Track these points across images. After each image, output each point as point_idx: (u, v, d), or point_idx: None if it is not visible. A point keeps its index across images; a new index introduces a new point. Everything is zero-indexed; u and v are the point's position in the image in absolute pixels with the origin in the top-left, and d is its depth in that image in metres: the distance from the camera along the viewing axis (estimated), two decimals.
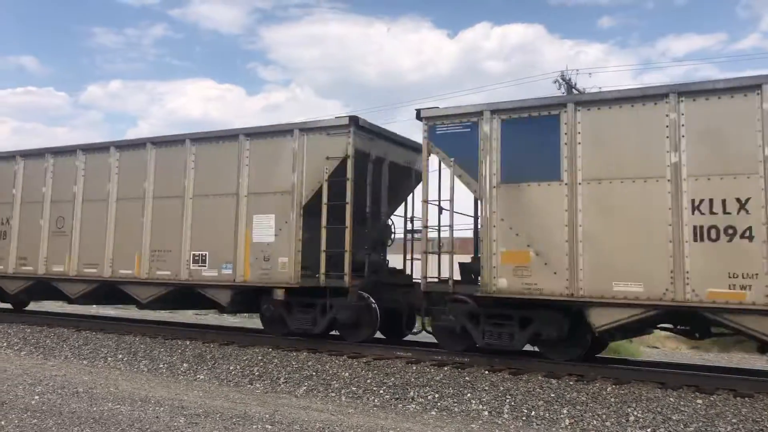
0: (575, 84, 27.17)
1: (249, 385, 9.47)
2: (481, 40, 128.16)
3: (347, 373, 9.50)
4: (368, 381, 9.16)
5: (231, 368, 10.16)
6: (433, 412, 8.08)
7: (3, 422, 6.40)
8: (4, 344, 12.48)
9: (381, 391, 8.79)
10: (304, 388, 9.19)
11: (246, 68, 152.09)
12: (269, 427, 6.79)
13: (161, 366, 10.60)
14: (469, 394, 8.43)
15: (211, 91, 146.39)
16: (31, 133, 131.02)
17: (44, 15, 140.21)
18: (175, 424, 6.70)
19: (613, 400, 7.92)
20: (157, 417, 6.99)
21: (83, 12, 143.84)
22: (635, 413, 7.52)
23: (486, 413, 7.92)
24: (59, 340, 12.51)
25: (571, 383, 8.57)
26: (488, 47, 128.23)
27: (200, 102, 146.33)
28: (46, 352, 11.88)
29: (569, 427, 7.42)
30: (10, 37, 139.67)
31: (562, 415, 7.67)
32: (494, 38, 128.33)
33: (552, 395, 8.19)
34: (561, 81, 26.94)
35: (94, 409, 7.28)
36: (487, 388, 8.58)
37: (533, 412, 7.81)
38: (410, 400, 8.48)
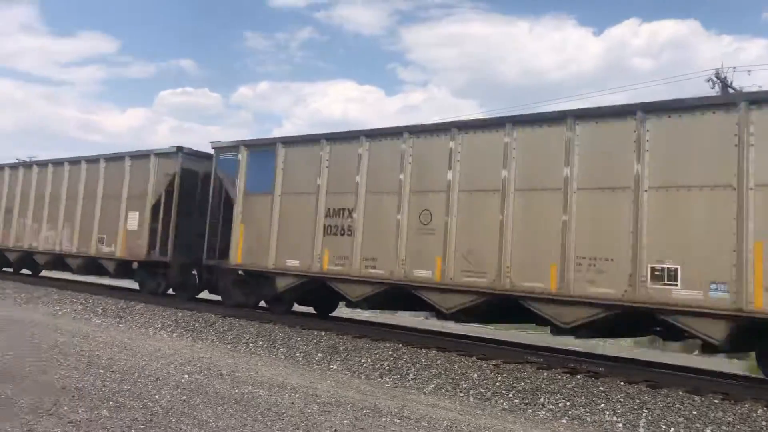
0: (731, 83, 25.28)
1: (379, 379, 9.69)
2: (628, 37, 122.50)
3: (476, 375, 9.47)
4: (497, 384, 9.08)
5: (362, 361, 10.44)
6: (564, 420, 7.87)
7: (157, 396, 6.97)
8: (159, 326, 13.54)
9: (510, 395, 8.68)
10: (433, 385, 9.25)
11: (386, 69, 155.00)
12: (398, 421, 6.92)
13: (298, 354, 11.07)
14: (602, 405, 8.14)
15: (352, 92, 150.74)
16: (188, 132, 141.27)
17: (202, 21, 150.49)
18: (309, 410, 6.99)
19: (764, 423, 7.35)
20: (292, 403, 7.33)
21: (236, 17, 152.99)
22: None
23: (620, 425, 7.61)
24: (207, 324, 13.41)
25: (715, 401, 8.04)
26: (636, 44, 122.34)
27: (341, 103, 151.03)
28: (195, 335, 12.77)
29: None
30: (173, 42, 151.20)
31: None
32: (643, 35, 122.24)
33: (694, 413, 7.72)
34: (715, 79, 25.15)
35: (236, 391, 7.75)
36: (622, 399, 8.24)
37: (672, 429, 7.40)
38: (540, 406, 8.32)
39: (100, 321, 14.03)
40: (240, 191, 14.52)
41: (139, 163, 17.25)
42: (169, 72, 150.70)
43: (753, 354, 9.67)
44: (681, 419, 7.59)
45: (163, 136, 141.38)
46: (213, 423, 6.04)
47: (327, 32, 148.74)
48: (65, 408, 6.07)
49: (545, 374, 9.35)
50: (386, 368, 10.04)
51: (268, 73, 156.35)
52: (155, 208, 16.37)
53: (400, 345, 11.11)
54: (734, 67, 33.21)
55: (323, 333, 12.23)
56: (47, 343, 10.12)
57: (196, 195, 16.38)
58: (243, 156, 14.60)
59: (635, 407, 7.98)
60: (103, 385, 7.29)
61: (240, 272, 14.74)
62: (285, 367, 10.21)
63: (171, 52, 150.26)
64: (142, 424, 5.72)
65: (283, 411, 6.84)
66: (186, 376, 8.47)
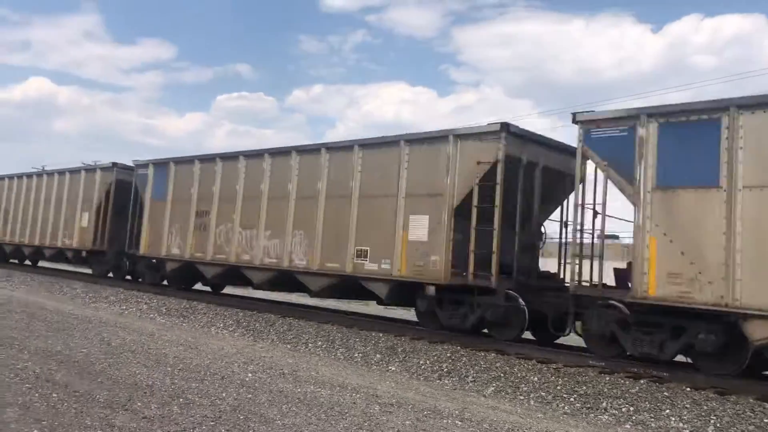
0: None
1: (438, 381, 9.71)
2: (689, 33, 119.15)
3: (536, 378, 9.40)
4: (558, 387, 8.99)
5: (421, 362, 10.48)
6: (628, 426, 7.74)
7: (224, 394, 7.16)
8: (221, 325, 13.87)
9: (572, 399, 8.59)
10: (492, 388, 9.23)
11: (438, 70, 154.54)
12: (459, 423, 6.93)
13: (356, 355, 11.19)
14: (667, 411, 7.97)
15: (405, 93, 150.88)
16: (244, 135, 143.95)
17: (256, 26, 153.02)
18: (371, 410, 7.07)
19: None
20: (354, 403, 7.43)
21: (290, 21, 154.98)
22: None
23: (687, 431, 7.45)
24: (267, 324, 13.67)
25: None
26: (697, 41, 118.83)
27: (393, 105, 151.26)
28: (256, 334, 13.04)
29: None
30: (229, 47, 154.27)
31: None
32: (705, 31, 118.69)
33: (765, 420, 7.50)
34: None
35: (299, 390, 7.89)
36: (688, 405, 8.06)
37: None
38: (603, 410, 8.20)
39: (164, 320, 14.46)
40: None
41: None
42: (225, 77, 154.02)
43: None
44: (752, 427, 7.38)
45: (220, 140, 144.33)
46: (279, 421, 6.17)
47: (379, 35, 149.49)
48: (138, 404, 6.31)
49: (607, 378, 9.21)
50: (445, 370, 10.06)
51: (322, 77, 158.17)
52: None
53: (458, 347, 11.10)
54: None
55: (381, 334, 12.32)
56: (116, 341, 10.49)
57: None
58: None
59: (702, 414, 7.79)
60: (172, 383, 7.53)
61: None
62: (344, 367, 10.34)
63: (227, 57, 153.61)
64: (212, 421, 5.89)
65: (346, 411, 6.94)
66: (250, 374, 8.66)
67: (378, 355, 11.04)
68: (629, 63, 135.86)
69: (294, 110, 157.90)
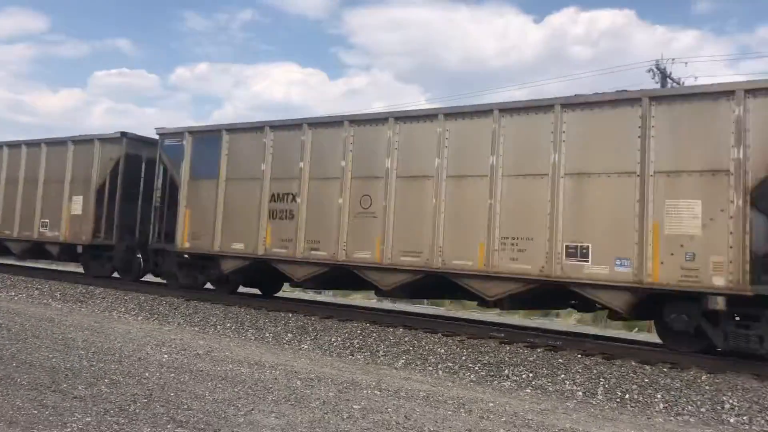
0: (670, 74, 26.46)
1: (350, 356, 10.09)
2: (568, 25, 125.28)
3: (443, 350, 9.98)
4: (463, 358, 9.61)
5: (332, 340, 10.82)
6: (528, 390, 8.45)
7: (146, 374, 7.20)
8: (123, 310, 13.59)
9: (476, 368, 9.22)
10: (402, 361, 9.72)
11: (329, 52, 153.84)
12: (378, 392, 7.35)
13: (267, 335, 11.37)
14: (562, 375, 8.76)
15: (295, 74, 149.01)
16: (123, 114, 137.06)
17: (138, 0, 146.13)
18: (293, 385, 7.36)
19: (707, 387, 8.08)
20: (275, 378, 7.68)
21: None
22: (731, 401, 7.67)
23: (580, 393, 8.24)
24: (171, 308, 13.52)
25: (664, 370, 8.76)
26: (575, 33, 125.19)
27: (283, 86, 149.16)
28: (161, 318, 12.89)
29: (663, 411, 7.65)
30: (107, 20, 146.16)
31: (656, 399, 7.90)
32: (582, 23, 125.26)
33: (646, 380, 8.42)
34: (656, 70, 26.24)
35: (219, 369, 8.03)
36: (580, 370, 8.88)
37: (627, 395, 8.06)
38: (505, 377, 8.89)
39: (60, 306, 13.98)
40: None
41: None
42: (104, 52, 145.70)
43: None
44: (635, 386, 8.26)
45: (98, 118, 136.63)
46: (209, 396, 6.34)
47: (269, 14, 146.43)
48: (65, 385, 6.26)
49: (507, 348, 9.94)
50: (356, 346, 10.45)
51: (208, 55, 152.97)
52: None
53: (368, 324, 11.54)
54: (673, 59, 34.50)
55: (290, 314, 12.54)
56: (15, 327, 10.13)
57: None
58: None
59: (593, 377, 8.63)
60: (90, 365, 7.47)
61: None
62: (257, 347, 10.50)
63: (105, 31, 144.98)
64: (145, 398, 5.97)
65: (270, 385, 7.18)
66: (165, 356, 8.69)
67: (289, 335, 11.27)
68: (513, 52, 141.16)
69: (178, 89, 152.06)
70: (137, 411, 5.50)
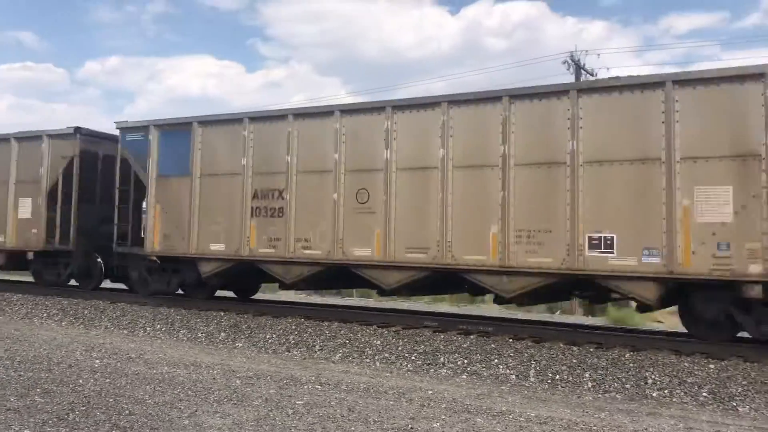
0: (584, 65, 27.45)
1: (287, 352, 10.09)
2: (482, 17, 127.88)
3: (379, 341, 10.11)
4: (399, 348, 9.78)
5: (267, 337, 10.77)
6: (464, 376, 8.70)
7: (80, 381, 7.01)
8: (44, 315, 13.09)
9: (413, 357, 9.41)
10: (340, 354, 9.80)
11: (246, 44, 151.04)
12: (318, 387, 7.41)
13: (200, 335, 11.20)
14: (496, 360, 9.05)
15: (211, 67, 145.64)
16: (28, 110, 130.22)
17: None
18: (233, 384, 7.32)
19: (631, 365, 8.54)
20: (213, 378, 7.61)
21: None
22: (653, 377, 8.13)
23: (513, 377, 8.55)
24: (97, 311, 13.10)
25: (591, 350, 9.19)
26: (490, 24, 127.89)
27: (199, 79, 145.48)
28: (87, 322, 12.49)
29: (592, 389, 8.04)
30: (9, 11, 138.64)
31: (584, 379, 8.29)
32: (496, 15, 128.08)
33: (574, 361, 8.81)
34: (570, 62, 27.15)
35: (154, 371, 7.89)
36: (512, 354, 9.20)
37: (557, 376, 8.43)
38: (441, 365, 9.11)
39: None
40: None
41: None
42: (5, 45, 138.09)
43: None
44: (564, 367, 8.64)
45: (0, 114, 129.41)
46: (150, 400, 6.23)
47: (181, 5, 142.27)
48: None
49: (442, 337, 10.17)
50: (292, 342, 10.46)
51: (118, 48, 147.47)
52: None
53: (302, 319, 11.54)
54: (586, 51, 35.82)
55: (222, 313, 12.39)
56: None
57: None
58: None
59: (525, 360, 8.96)
60: (19, 375, 7.19)
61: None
62: (190, 347, 10.35)
63: (5, 23, 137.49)
64: (83, 406, 5.82)
65: (210, 386, 7.13)
66: (97, 361, 8.46)
67: (222, 334, 11.15)
68: (430, 43, 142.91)
69: (88, 83, 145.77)
70: (77, 419, 5.36)
